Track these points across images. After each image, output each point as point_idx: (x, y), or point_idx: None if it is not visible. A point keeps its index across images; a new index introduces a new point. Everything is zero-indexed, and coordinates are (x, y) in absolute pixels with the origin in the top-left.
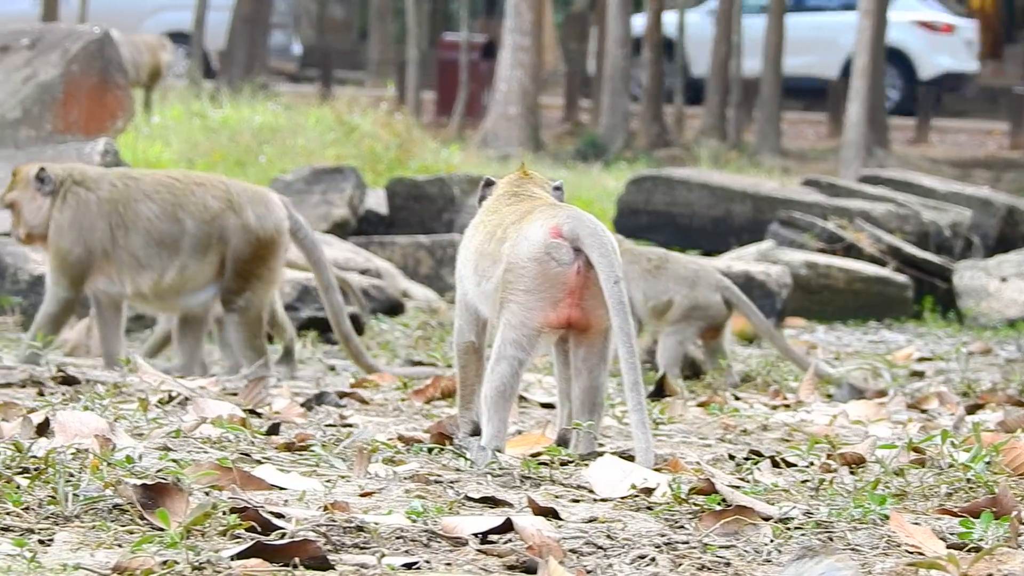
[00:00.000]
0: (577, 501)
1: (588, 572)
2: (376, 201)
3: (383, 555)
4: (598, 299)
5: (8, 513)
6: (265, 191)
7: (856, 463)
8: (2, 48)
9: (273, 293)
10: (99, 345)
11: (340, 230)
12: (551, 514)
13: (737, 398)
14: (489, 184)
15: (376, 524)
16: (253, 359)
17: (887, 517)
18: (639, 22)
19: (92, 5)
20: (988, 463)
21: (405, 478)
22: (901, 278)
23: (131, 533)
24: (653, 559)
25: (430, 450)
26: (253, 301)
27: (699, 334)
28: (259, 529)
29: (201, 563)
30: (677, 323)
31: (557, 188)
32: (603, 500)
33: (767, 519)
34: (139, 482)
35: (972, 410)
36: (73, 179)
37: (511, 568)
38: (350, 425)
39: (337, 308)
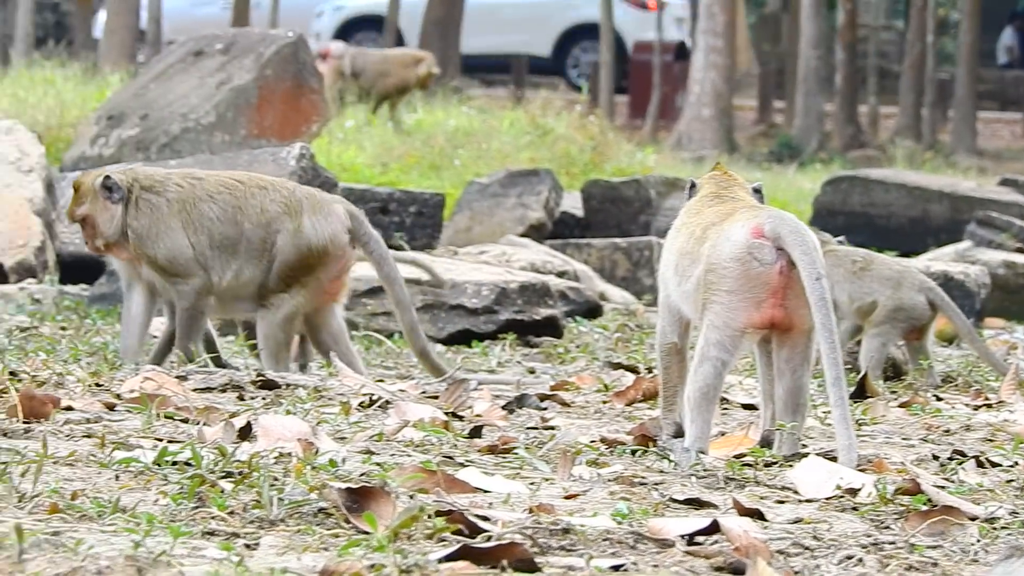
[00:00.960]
0: (782, 502)
1: (796, 573)
2: (572, 204)
3: (591, 557)
4: (801, 299)
5: (213, 517)
6: (332, 200)
7: None
8: (196, 53)
9: (313, 304)
10: (297, 351)
11: (536, 233)
12: (756, 515)
13: (939, 399)
14: (694, 187)
15: (582, 526)
16: (271, 363)
17: None
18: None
19: (282, 9)
20: None
21: (609, 480)
22: None
23: (336, 537)
24: (860, 560)
25: (633, 452)
26: (287, 305)
27: (902, 335)
28: (465, 532)
29: (408, 566)
30: (880, 324)
31: (756, 191)
32: (808, 501)
33: (973, 519)
34: (344, 486)
35: None
36: (140, 184)
37: (719, 569)
38: (552, 428)
39: (411, 324)
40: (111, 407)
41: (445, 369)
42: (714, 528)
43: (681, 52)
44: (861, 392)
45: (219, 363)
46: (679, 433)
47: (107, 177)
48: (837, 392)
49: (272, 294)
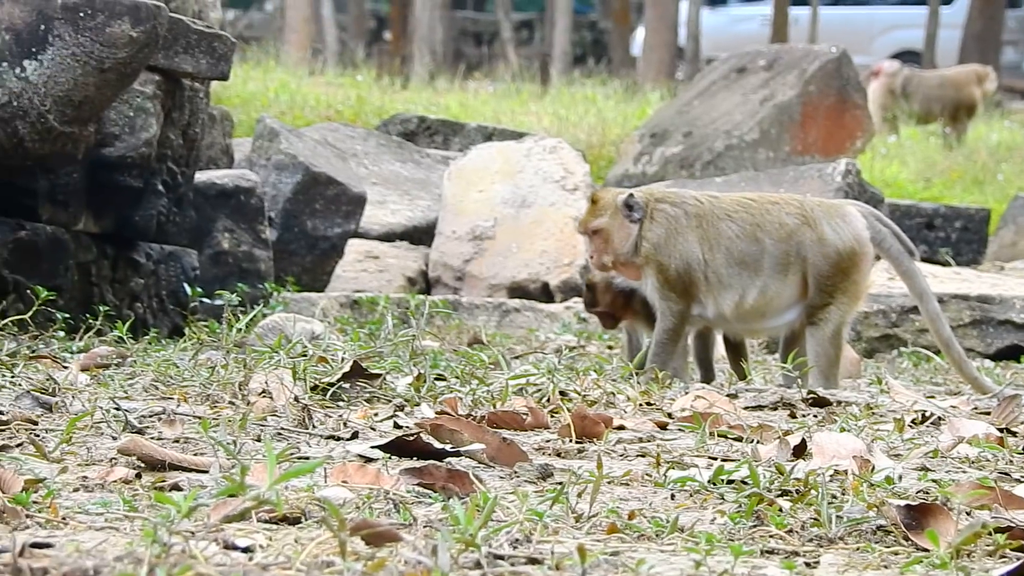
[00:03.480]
0: None
1: None
2: None
3: None
4: None
5: (772, 535)
6: (842, 204)
7: None
8: (739, 69)
9: (857, 308)
10: (848, 366)
11: None
12: None
13: None
14: None
15: None
16: (827, 377)
17: None
18: None
19: (822, 24)
20: None
21: None
22: None
23: (896, 555)
24: None
25: None
26: (834, 316)
27: None
28: None
29: None
30: None
31: None
32: None
33: None
34: (902, 503)
35: None
36: (655, 198)
37: None
38: None
39: (934, 315)
40: (663, 426)
41: (972, 371)
42: None
43: None
44: None
45: (708, 377)
46: None
47: (630, 195)
48: None
49: (817, 311)
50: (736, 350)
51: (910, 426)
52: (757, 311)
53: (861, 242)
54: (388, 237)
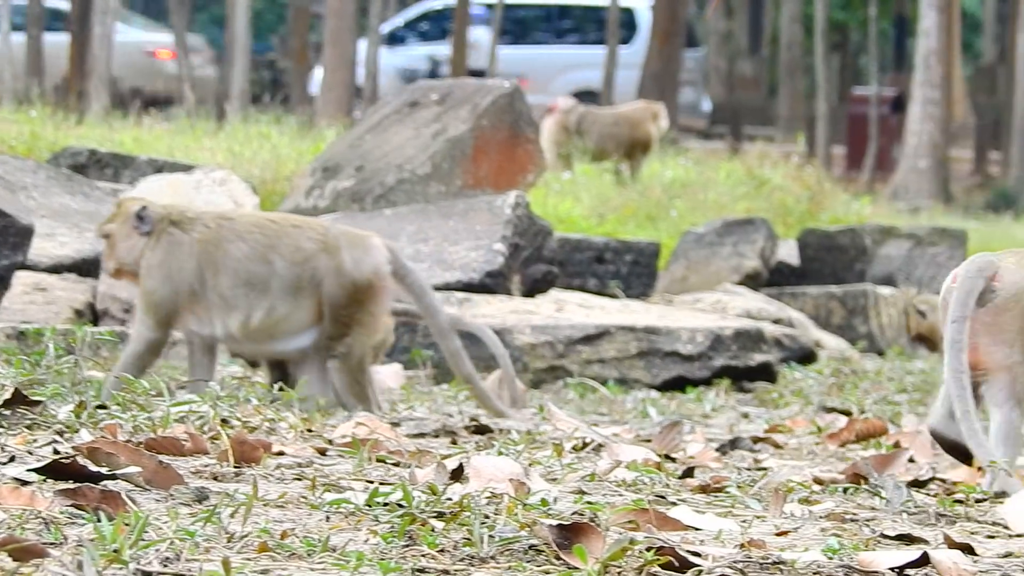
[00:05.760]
0: (992, 537)
1: None
2: (787, 252)
3: None
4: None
5: (424, 555)
6: (367, 235)
7: None
8: (412, 104)
9: (375, 339)
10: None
11: (752, 281)
12: (967, 550)
13: None
14: None
15: (794, 560)
16: (355, 404)
17: None
18: None
19: (501, 63)
20: None
21: (820, 517)
22: None
23: (547, 573)
24: None
25: (845, 490)
26: (354, 347)
27: None
28: (676, 566)
29: None
30: None
31: None
32: (1019, 536)
33: None
34: (555, 522)
35: None
36: (171, 219)
37: None
38: (764, 468)
39: (454, 351)
40: (323, 452)
41: (495, 403)
42: (924, 561)
43: (898, 104)
44: None
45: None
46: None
47: (144, 207)
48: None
49: (335, 341)
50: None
51: (570, 452)
52: (265, 332)
53: (380, 275)
54: (56, 269)
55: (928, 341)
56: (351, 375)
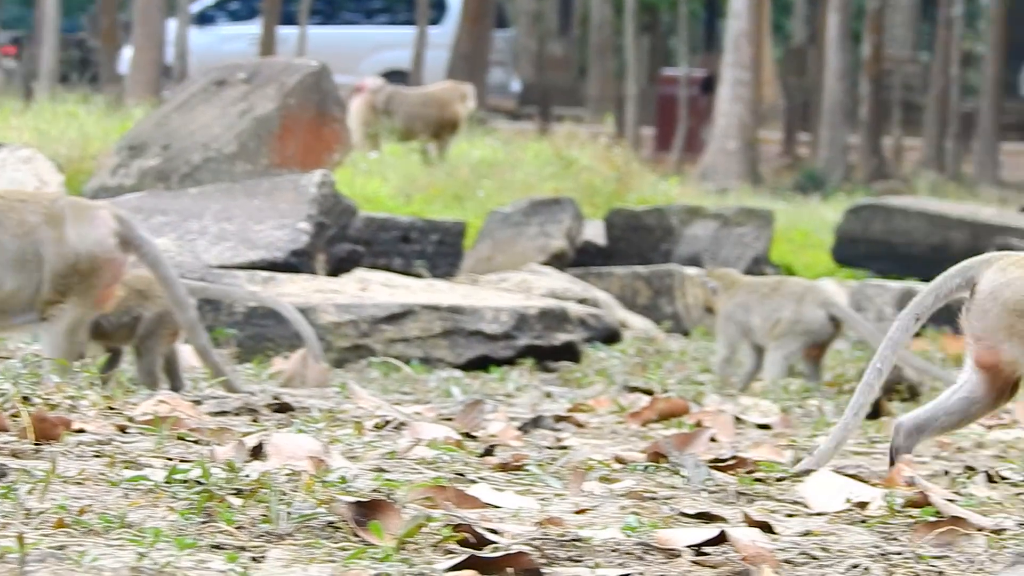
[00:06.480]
0: (792, 516)
1: None
2: (594, 232)
3: (597, 566)
4: None
5: (221, 531)
6: (94, 206)
7: None
8: (219, 83)
9: (95, 312)
10: (315, 375)
11: (558, 261)
12: (765, 528)
13: None
14: None
15: (590, 538)
16: (64, 372)
17: None
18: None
19: (311, 44)
20: None
21: (620, 495)
22: None
23: (344, 550)
24: (867, 569)
25: (645, 468)
26: (66, 314)
27: (804, 349)
28: (472, 543)
29: (414, 575)
30: (782, 337)
31: None
32: (818, 514)
33: (981, 530)
34: (352, 499)
35: None
36: None
37: None
38: (566, 447)
39: (190, 323)
40: (123, 429)
41: (227, 373)
42: (721, 538)
43: (707, 85)
44: (876, 412)
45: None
46: None
47: None
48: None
49: (50, 306)
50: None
51: (371, 430)
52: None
53: (104, 247)
54: None
55: None
56: (58, 338)
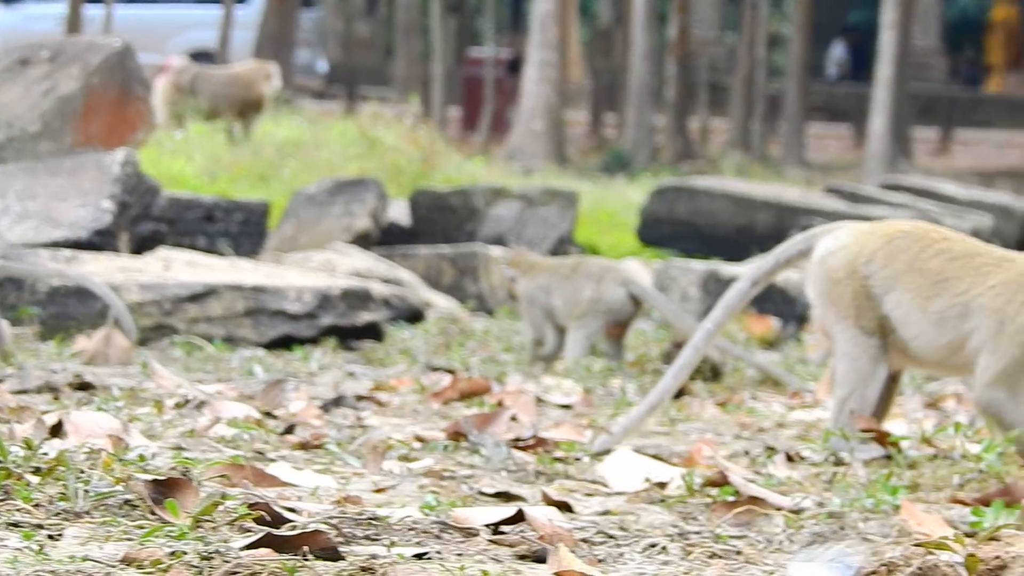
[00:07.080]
0: (591, 495)
1: (599, 560)
2: (399, 212)
3: (393, 544)
4: None
5: (18, 510)
6: None
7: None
8: (22, 61)
9: None
10: (118, 354)
11: (363, 241)
12: (564, 507)
13: (755, 398)
14: None
15: (388, 516)
16: None
17: (899, 507)
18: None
19: (117, 23)
20: (1001, 454)
21: (419, 474)
22: None
23: (141, 528)
24: (664, 548)
25: (445, 447)
26: None
27: (605, 329)
28: (270, 521)
29: (210, 553)
30: (582, 317)
31: None
32: (617, 494)
33: (780, 510)
34: (150, 477)
35: None
36: None
37: (522, 557)
38: (367, 426)
39: None
40: None
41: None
42: (519, 517)
43: (514, 66)
44: (679, 393)
45: None
46: None
47: None
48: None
49: None
50: None
51: (172, 408)
52: None
53: None
54: None
55: None
56: None
